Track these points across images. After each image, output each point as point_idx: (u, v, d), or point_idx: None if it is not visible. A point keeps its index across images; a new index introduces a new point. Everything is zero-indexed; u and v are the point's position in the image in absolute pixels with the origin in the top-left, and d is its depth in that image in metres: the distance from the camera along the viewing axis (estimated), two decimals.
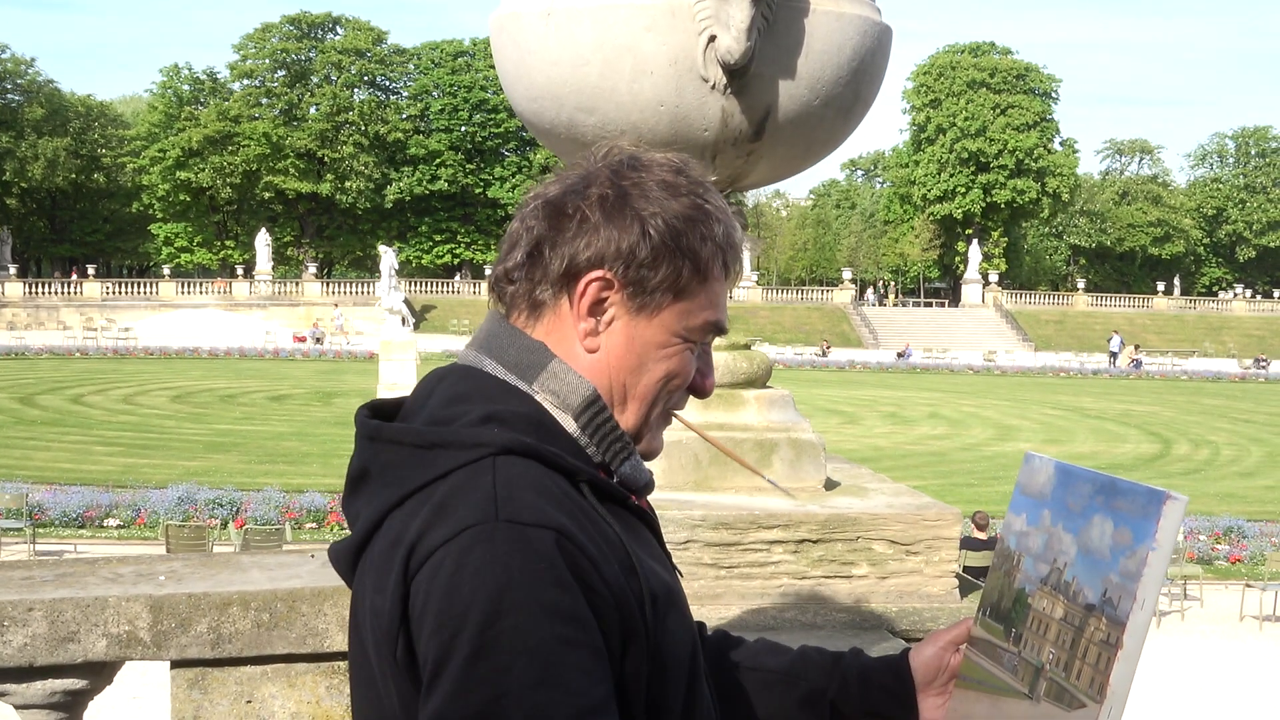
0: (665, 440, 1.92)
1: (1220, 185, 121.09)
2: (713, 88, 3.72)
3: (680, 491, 3.80)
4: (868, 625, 3.60)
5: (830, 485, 4.11)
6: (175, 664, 3.63)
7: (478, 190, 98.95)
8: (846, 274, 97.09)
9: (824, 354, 70.47)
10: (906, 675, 2.03)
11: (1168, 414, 44.38)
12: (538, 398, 1.77)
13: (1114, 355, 72.37)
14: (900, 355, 70.08)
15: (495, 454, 1.66)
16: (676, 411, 1.90)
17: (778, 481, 3.84)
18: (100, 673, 3.64)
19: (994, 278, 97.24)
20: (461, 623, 1.54)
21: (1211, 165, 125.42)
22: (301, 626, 3.59)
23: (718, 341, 4.07)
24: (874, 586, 3.73)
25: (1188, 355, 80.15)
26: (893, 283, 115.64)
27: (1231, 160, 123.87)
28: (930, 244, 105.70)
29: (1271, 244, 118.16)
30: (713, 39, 3.65)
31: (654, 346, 1.79)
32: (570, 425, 1.77)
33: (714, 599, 3.65)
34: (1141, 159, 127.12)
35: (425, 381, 1.84)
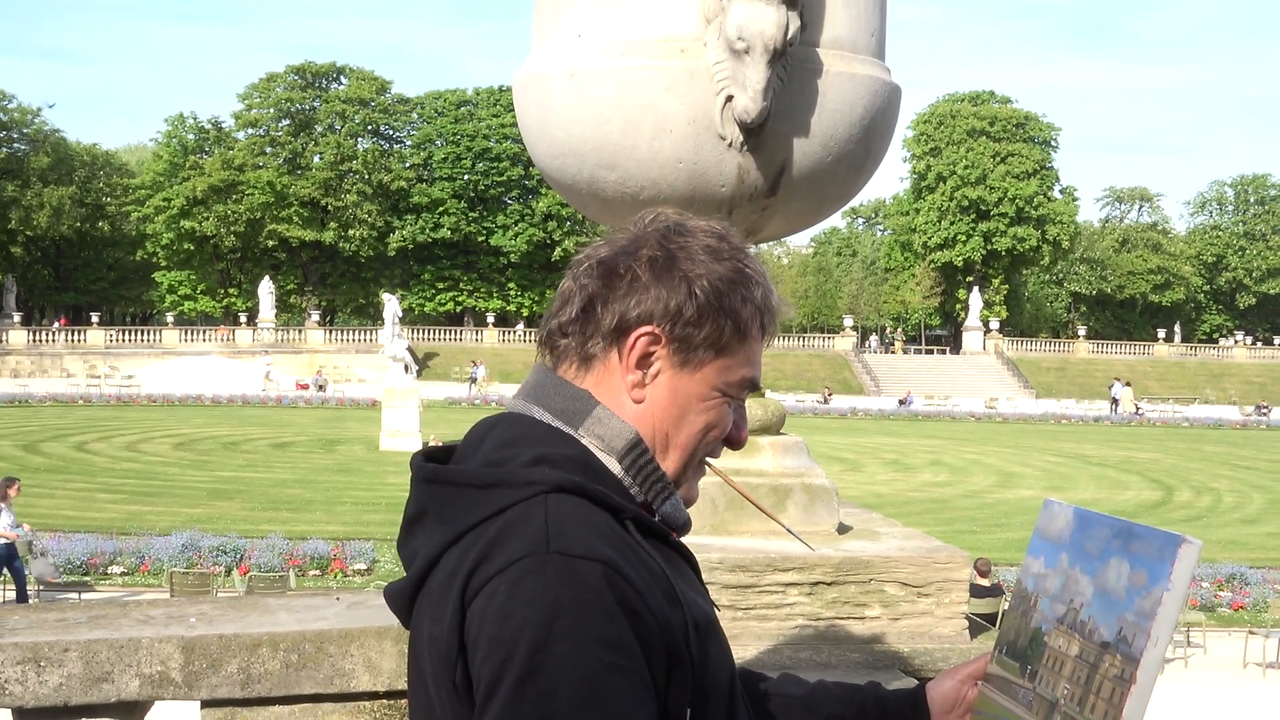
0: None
1: (1220, 232, 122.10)
2: (730, 145, 3.86)
3: (698, 535, 3.91)
4: (881, 665, 3.70)
5: (843, 529, 4.22)
6: (205, 704, 3.70)
7: (480, 238, 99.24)
8: (848, 321, 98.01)
9: (826, 401, 70.65)
10: (923, 706, 2.13)
11: (1169, 461, 44.39)
12: (584, 441, 1.88)
13: (1115, 402, 72.40)
14: (902, 402, 70.30)
15: (547, 492, 1.77)
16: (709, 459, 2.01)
17: (792, 527, 3.94)
18: (132, 712, 3.70)
19: (995, 325, 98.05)
20: (513, 648, 1.64)
21: (1211, 213, 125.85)
22: (329, 667, 3.67)
23: None
24: (886, 627, 3.84)
25: (1189, 402, 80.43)
26: (898, 330, 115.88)
27: (1231, 208, 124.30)
28: (931, 291, 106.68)
29: (1271, 291, 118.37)
30: (730, 99, 3.79)
31: (696, 399, 1.91)
32: (615, 467, 1.88)
33: (732, 639, 3.71)
34: (1141, 206, 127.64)
35: (476, 429, 1.95)
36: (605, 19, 3.92)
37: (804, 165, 3.95)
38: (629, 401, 1.91)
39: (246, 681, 3.68)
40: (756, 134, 3.83)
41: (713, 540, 3.91)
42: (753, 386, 1.98)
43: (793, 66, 3.83)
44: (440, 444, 2.02)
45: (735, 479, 4.07)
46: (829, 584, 3.81)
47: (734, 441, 2.00)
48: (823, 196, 4.09)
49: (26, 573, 18.68)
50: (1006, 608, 2.24)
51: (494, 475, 1.82)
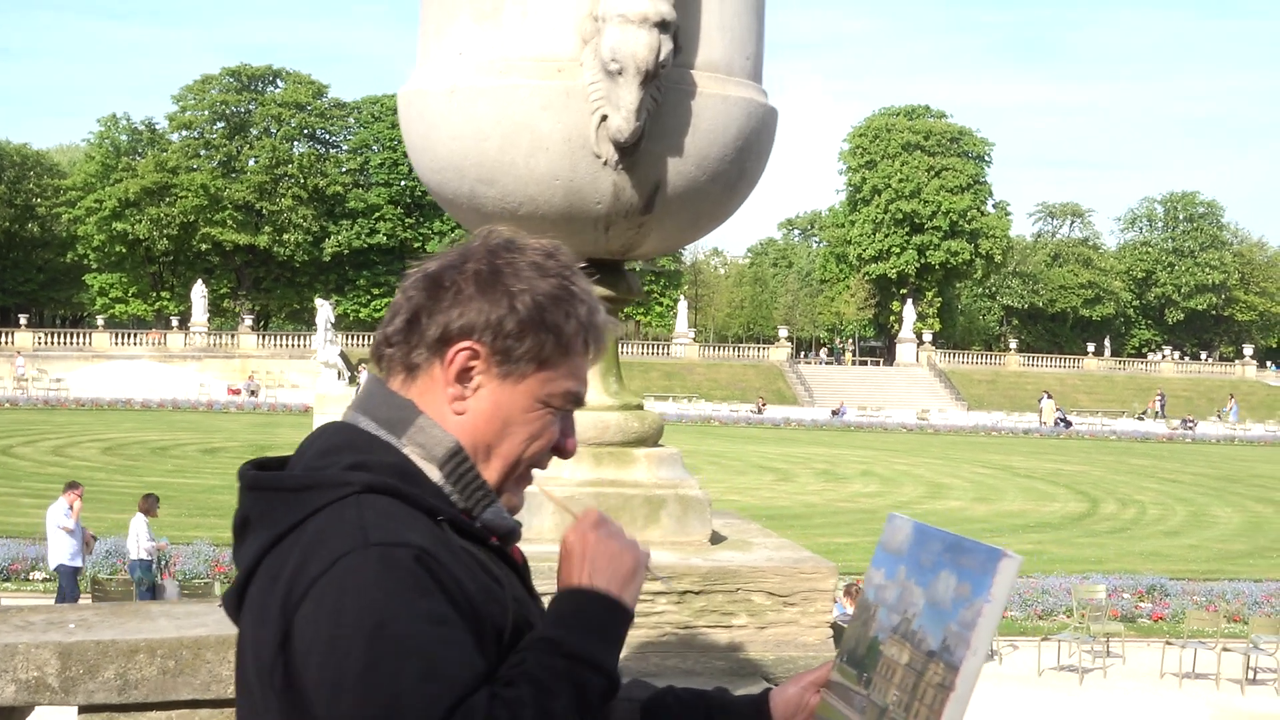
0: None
1: (1150, 248, 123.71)
2: (605, 164, 3.95)
3: None
4: (745, 673, 3.80)
5: (716, 539, 4.32)
6: (83, 709, 3.72)
7: (416, 244, 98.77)
8: (783, 332, 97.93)
9: (760, 411, 71.06)
10: (766, 711, 2.17)
11: (1096, 473, 44.92)
12: (405, 450, 1.93)
13: (1045, 413, 73.55)
14: (835, 413, 70.91)
15: (359, 492, 1.83)
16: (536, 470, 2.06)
17: (666, 537, 4.03)
18: (9, 718, 3.72)
19: (928, 337, 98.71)
20: (351, 644, 1.70)
21: (1141, 229, 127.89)
22: (206, 674, 3.70)
23: (610, 402, 4.28)
24: (753, 636, 3.93)
25: (1117, 415, 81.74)
26: (837, 340, 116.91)
27: (1160, 224, 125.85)
28: (866, 303, 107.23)
29: (1199, 307, 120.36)
30: (604, 118, 3.89)
31: (518, 410, 1.96)
32: (435, 474, 1.93)
33: None
34: (1073, 222, 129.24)
35: (307, 438, 2.01)
36: (486, 37, 4.01)
37: (678, 184, 4.06)
38: (450, 413, 1.95)
39: (123, 687, 3.70)
40: (631, 153, 3.93)
41: None
42: (576, 400, 2.02)
43: (667, 88, 3.93)
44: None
45: (611, 490, 4.17)
46: (697, 593, 3.90)
47: (561, 451, 2.04)
48: (698, 214, 4.20)
49: None
50: (850, 617, 2.30)
51: (308, 478, 1.88)
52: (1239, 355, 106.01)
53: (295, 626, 1.76)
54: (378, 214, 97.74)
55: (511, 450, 1.98)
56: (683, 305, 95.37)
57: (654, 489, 4.22)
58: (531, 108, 3.96)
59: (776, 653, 3.92)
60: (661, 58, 3.77)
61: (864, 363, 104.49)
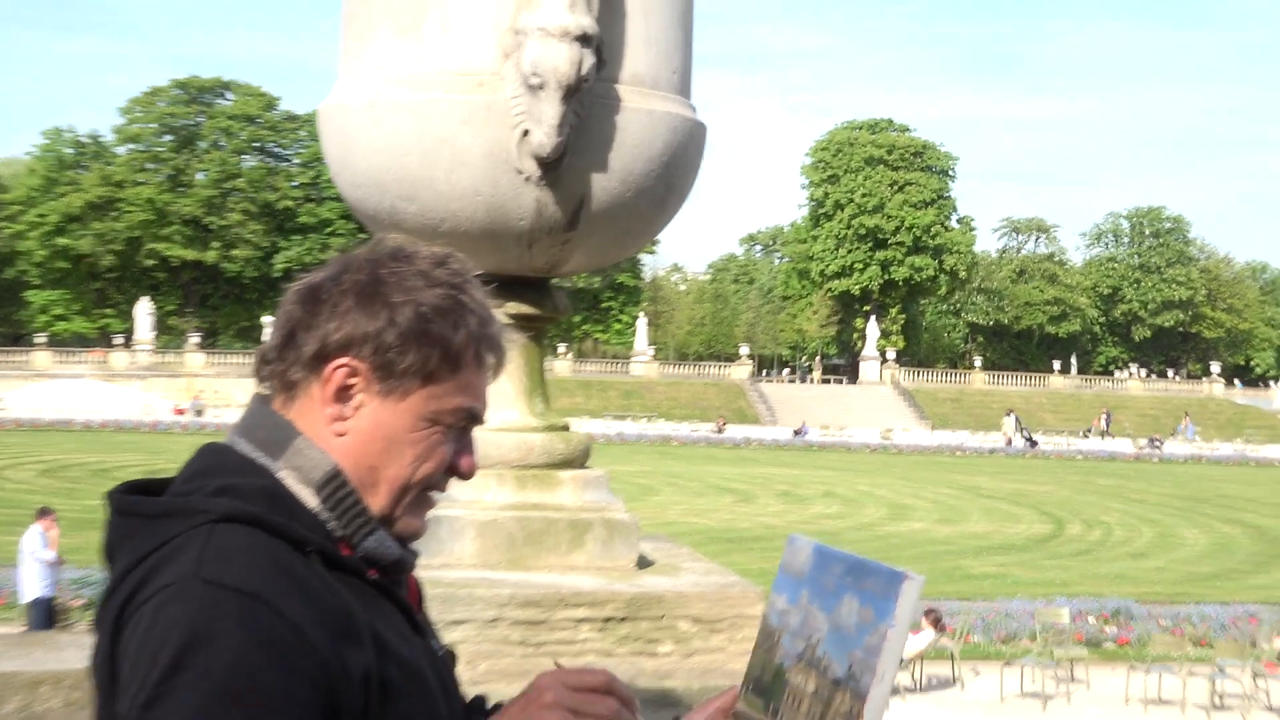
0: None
1: (1115, 264, 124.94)
2: (527, 179, 3.95)
3: (494, 570, 3.97)
4: (668, 702, 3.78)
5: (644, 564, 4.31)
6: None
7: None
8: (744, 350, 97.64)
9: (720, 431, 70.30)
10: None
11: (1062, 494, 45.13)
12: (281, 473, 1.86)
13: (1019, 433, 73.41)
14: (797, 433, 70.29)
15: (215, 521, 1.76)
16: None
17: (591, 562, 4.02)
18: None
19: (892, 355, 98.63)
20: (147, 673, 1.65)
21: (1107, 244, 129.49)
22: None
23: (535, 423, 4.27)
24: (678, 664, 3.93)
25: (1081, 435, 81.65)
26: (801, 358, 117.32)
27: (1126, 240, 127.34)
28: (828, 320, 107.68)
29: (1166, 324, 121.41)
30: (526, 133, 3.89)
31: (404, 429, 1.88)
32: (311, 500, 1.85)
33: (521, 676, 3.80)
34: (1038, 237, 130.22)
35: (187, 461, 1.95)
36: (406, 51, 4.01)
37: (603, 200, 4.06)
38: (330, 434, 1.88)
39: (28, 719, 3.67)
40: (554, 168, 3.93)
41: (508, 575, 3.96)
42: (471, 417, 1.93)
43: (590, 102, 3.94)
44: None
45: (535, 514, 4.17)
46: (621, 620, 3.89)
47: (458, 471, 1.96)
48: (624, 231, 4.20)
49: None
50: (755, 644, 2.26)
51: (166, 505, 1.82)
52: (1206, 373, 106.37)
53: (118, 649, 1.72)
54: (330, 229, 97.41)
55: (399, 473, 1.89)
56: (642, 322, 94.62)
57: (579, 513, 4.22)
58: (452, 122, 3.95)
59: (702, 681, 3.92)
60: (583, 72, 3.77)
61: (827, 381, 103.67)
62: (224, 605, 1.68)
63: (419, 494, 1.94)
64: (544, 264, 4.23)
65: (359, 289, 1.88)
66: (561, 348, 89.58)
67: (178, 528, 1.78)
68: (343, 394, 1.88)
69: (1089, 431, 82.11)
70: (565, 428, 4.37)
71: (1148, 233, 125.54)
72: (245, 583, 1.70)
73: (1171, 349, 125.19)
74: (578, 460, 4.38)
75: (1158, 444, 73.29)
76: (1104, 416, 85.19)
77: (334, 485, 1.87)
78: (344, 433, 1.88)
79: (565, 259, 4.21)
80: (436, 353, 1.88)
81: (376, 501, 1.90)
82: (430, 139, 3.98)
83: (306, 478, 1.87)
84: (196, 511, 1.79)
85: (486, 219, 4.03)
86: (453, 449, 1.95)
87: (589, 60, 3.77)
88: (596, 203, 4.07)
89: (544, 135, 3.84)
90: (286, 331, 1.90)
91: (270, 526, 1.78)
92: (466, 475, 2.00)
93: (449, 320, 1.89)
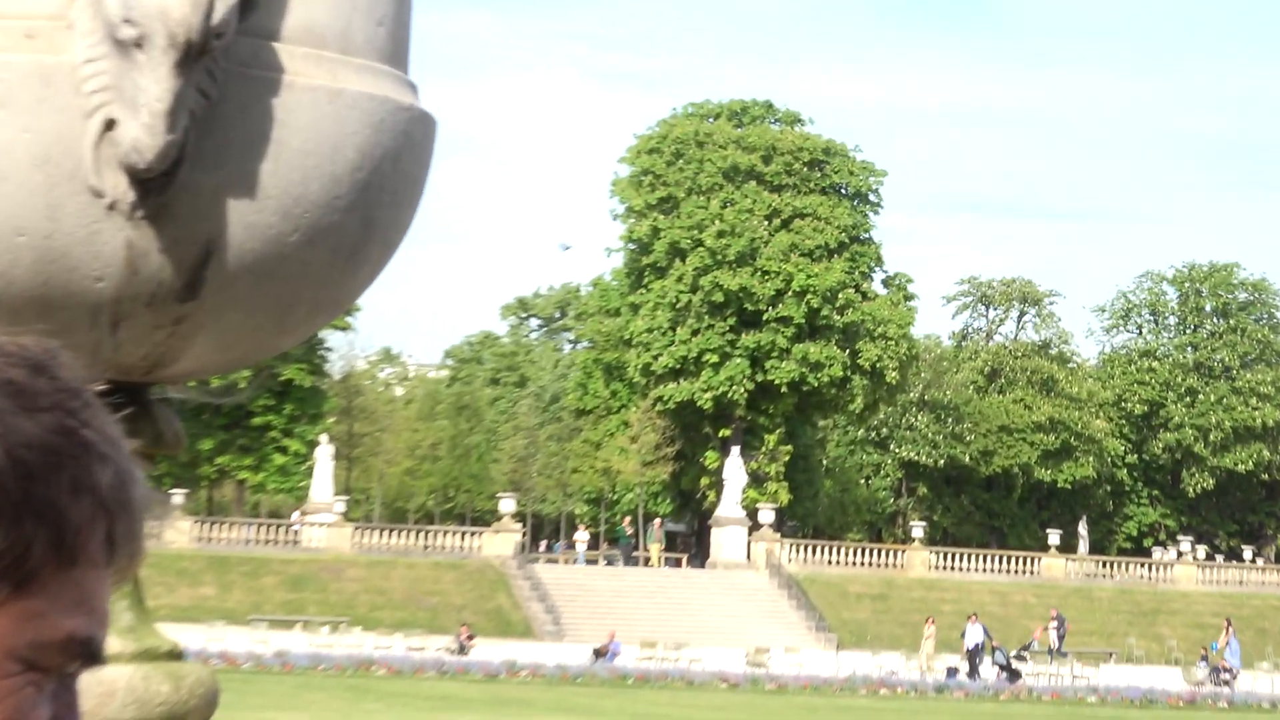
0: None
1: (1155, 363, 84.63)
2: (112, 207, 2.85)
3: None
4: None
5: None
6: None
7: None
8: (508, 505, 65.64)
9: (462, 650, 49.19)
10: None
11: None
12: None
13: (972, 655, 51.46)
14: (599, 654, 48.70)
15: None
16: None
17: None
18: None
19: (768, 516, 67.64)
20: None
21: (1139, 327, 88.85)
22: None
23: (119, 645, 2.79)
24: None
25: (1102, 658, 56.87)
26: (603, 522, 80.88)
27: (1173, 318, 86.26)
28: (658, 454, 72.64)
29: (1240, 467, 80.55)
30: (111, 124, 2.74)
31: None
32: None
33: None
34: (1023, 313, 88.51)
35: None
36: None
37: (249, 245, 2.87)
38: None
39: None
40: (160, 189, 2.80)
41: None
42: (86, 651, 1.20)
43: (229, 73, 2.79)
44: None
45: None
46: None
47: None
48: (287, 300, 3.02)
49: None
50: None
51: None
52: None
53: None
54: None
55: None
56: (324, 454, 65.30)
57: None
58: None
59: None
60: (216, 19, 2.58)
61: (653, 562, 70.37)
62: None
63: None
64: (140, 359, 2.98)
65: None
66: (178, 498, 58.86)
67: None
68: None
69: (1027, 648, 55.06)
70: (175, 654, 2.93)
71: (1210, 307, 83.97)
72: None
73: (1249, 511, 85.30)
74: (196, 712, 2.94)
75: (1228, 676, 50.28)
76: (1055, 623, 58.78)
77: None
78: None
79: (179, 351, 2.97)
80: (41, 534, 1.18)
81: None
82: None
83: None
84: None
85: (36, 278, 2.77)
86: (49, 712, 1.20)
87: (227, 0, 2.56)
88: (236, 250, 2.83)
89: (142, 127, 2.63)
90: None
91: None
92: None
93: (64, 475, 1.18)
